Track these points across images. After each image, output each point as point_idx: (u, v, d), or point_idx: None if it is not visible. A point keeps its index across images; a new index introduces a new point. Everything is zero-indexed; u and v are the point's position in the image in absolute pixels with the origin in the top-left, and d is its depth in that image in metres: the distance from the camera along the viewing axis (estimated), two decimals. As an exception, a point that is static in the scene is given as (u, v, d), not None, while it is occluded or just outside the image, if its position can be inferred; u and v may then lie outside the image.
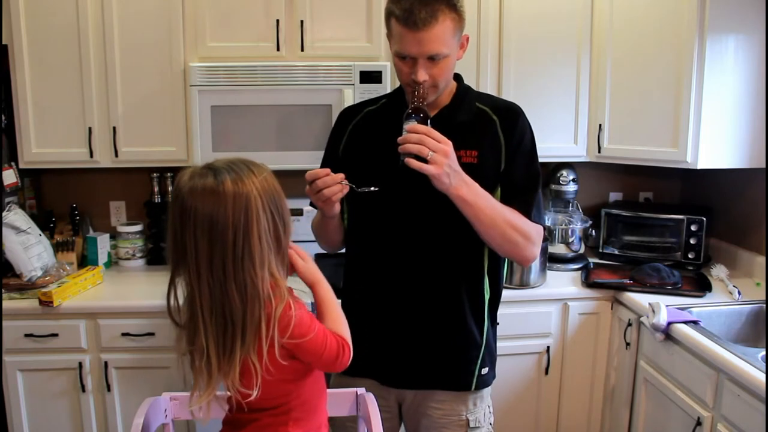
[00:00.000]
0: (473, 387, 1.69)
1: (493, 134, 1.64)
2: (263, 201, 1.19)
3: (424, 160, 1.44)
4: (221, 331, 1.19)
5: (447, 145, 1.46)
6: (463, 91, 1.68)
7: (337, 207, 1.58)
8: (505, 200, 1.62)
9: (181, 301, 1.26)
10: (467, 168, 1.58)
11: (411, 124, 1.47)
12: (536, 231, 1.65)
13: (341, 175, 1.51)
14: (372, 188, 1.55)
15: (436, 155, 1.44)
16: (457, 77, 1.71)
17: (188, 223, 1.17)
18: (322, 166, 1.74)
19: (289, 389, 1.30)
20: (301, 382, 1.31)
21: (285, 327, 1.20)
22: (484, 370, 1.71)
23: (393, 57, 1.57)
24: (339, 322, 1.34)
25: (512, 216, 1.59)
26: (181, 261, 1.20)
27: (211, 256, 1.17)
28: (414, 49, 1.49)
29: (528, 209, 1.63)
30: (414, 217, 1.59)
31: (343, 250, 1.80)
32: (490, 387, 1.76)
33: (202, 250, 1.17)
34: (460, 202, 1.52)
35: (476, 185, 1.54)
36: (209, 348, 1.20)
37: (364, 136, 1.70)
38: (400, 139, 1.46)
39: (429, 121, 1.50)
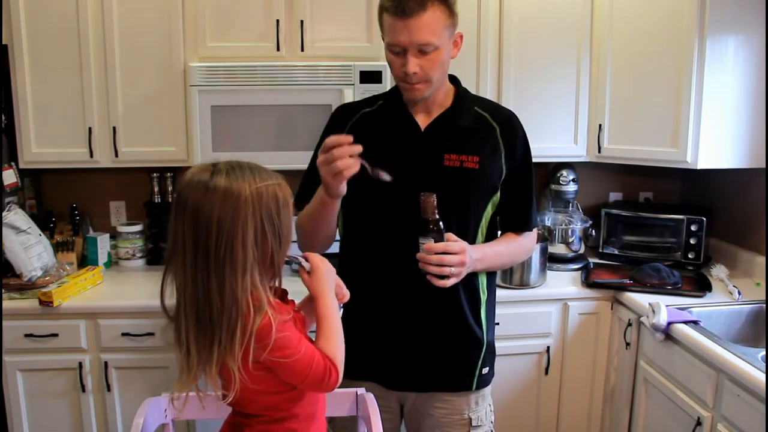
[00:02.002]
0: (474, 387, 1.71)
1: (494, 141, 1.66)
2: (255, 208, 1.18)
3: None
4: (201, 327, 1.19)
5: (463, 254, 1.53)
6: (461, 94, 1.69)
7: (344, 187, 1.49)
8: (504, 209, 1.71)
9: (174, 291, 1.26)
10: (469, 173, 1.61)
11: (427, 243, 1.51)
12: (532, 239, 1.80)
13: (359, 148, 1.45)
14: (386, 176, 1.50)
15: (455, 269, 1.52)
16: (455, 80, 1.71)
17: (180, 213, 1.18)
18: (314, 166, 1.73)
19: (274, 401, 1.28)
20: (288, 396, 1.28)
21: (264, 344, 1.18)
22: (485, 370, 1.73)
23: (386, 53, 1.58)
24: (332, 342, 1.28)
25: (514, 247, 1.73)
26: (172, 252, 1.21)
27: (195, 250, 1.17)
28: (403, 37, 1.50)
29: (528, 221, 1.74)
30: (411, 220, 1.59)
31: (334, 251, 1.79)
32: (490, 386, 1.77)
33: (188, 243, 1.17)
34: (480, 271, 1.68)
35: (484, 252, 1.63)
36: (189, 341, 1.20)
37: (362, 140, 1.67)
38: (419, 256, 1.52)
39: (443, 233, 1.51)
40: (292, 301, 1.36)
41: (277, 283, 1.30)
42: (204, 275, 1.17)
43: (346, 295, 1.41)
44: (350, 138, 1.44)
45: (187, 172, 1.23)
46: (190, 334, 1.20)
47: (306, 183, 1.72)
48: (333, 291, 1.34)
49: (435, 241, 1.50)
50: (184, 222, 1.17)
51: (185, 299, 1.20)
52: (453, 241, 1.53)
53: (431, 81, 1.57)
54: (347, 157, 1.43)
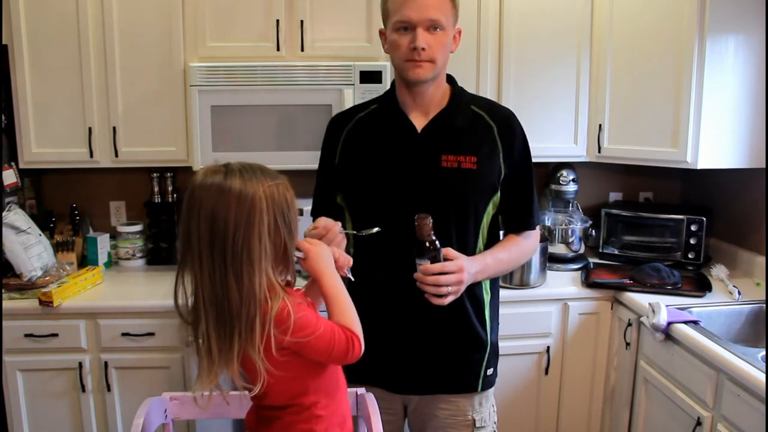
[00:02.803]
0: (479, 388, 1.70)
1: (492, 140, 1.65)
2: (269, 206, 1.23)
3: None
4: (221, 321, 1.23)
5: (460, 272, 1.53)
6: (458, 94, 1.69)
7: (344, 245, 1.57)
8: (505, 208, 1.70)
9: (187, 292, 1.30)
10: (467, 174, 1.60)
11: (424, 264, 1.51)
12: (535, 239, 1.79)
13: (338, 225, 1.51)
14: (374, 230, 1.56)
15: (452, 288, 1.52)
16: (451, 79, 1.71)
17: (194, 215, 1.22)
18: (320, 177, 1.77)
19: (300, 389, 1.31)
20: (313, 380, 1.32)
21: (285, 328, 1.22)
22: (489, 371, 1.73)
23: (391, 35, 1.57)
24: (347, 314, 1.32)
25: (517, 251, 1.72)
26: (187, 252, 1.25)
27: (212, 249, 1.21)
28: (414, 13, 1.51)
29: (530, 219, 1.73)
30: (410, 222, 1.58)
31: None
32: (494, 386, 1.77)
33: (204, 243, 1.21)
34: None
35: (485, 263, 1.63)
36: (210, 335, 1.23)
37: (359, 144, 1.69)
38: (416, 276, 1.52)
39: (440, 252, 1.52)
40: (299, 289, 1.39)
41: (289, 277, 1.33)
42: (222, 272, 1.21)
43: (349, 260, 1.44)
44: (327, 226, 1.49)
45: (197, 173, 1.26)
46: (210, 330, 1.23)
47: (317, 200, 1.77)
48: (332, 268, 1.37)
49: (431, 262, 1.51)
50: (200, 223, 1.21)
51: (203, 297, 1.23)
52: (450, 260, 1.53)
53: (436, 63, 1.57)
54: (334, 239, 1.48)
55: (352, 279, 1.51)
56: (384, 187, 1.63)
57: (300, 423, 1.33)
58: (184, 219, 1.24)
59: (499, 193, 1.67)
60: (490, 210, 1.68)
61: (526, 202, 1.71)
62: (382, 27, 1.64)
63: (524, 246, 1.74)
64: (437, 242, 1.51)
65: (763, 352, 1.88)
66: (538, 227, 1.79)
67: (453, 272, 1.52)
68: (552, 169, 2.90)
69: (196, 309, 1.25)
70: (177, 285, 1.28)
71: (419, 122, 1.64)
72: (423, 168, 1.61)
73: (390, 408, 1.71)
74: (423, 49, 1.53)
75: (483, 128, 1.66)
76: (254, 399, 1.37)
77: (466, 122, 1.65)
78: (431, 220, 1.49)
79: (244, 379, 1.27)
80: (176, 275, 1.28)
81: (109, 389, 2.39)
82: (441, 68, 1.61)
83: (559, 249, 2.78)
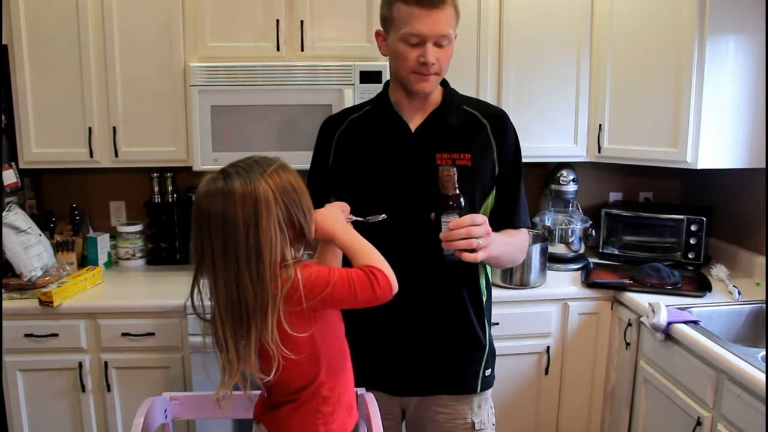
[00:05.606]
0: (478, 389, 1.70)
1: (485, 139, 1.66)
2: (275, 194, 1.25)
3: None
4: (237, 322, 1.26)
5: (485, 223, 1.47)
6: (450, 94, 1.69)
7: None
8: (498, 206, 1.69)
9: (203, 298, 1.34)
10: (462, 170, 1.59)
11: (453, 220, 1.44)
12: (528, 238, 1.79)
13: (347, 208, 1.50)
14: (380, 216, 1.53)
15: (483, 241, 1.45)
16: (443, 80, 1.71)
17: (204, 222, 1.25)
18: (313, 179, 1.74)
19: (316, 368, 1.34)
20: (325, 358, 1.34)
21: (298, 298, 1.24)
22: (488, 371, 1.72)
23: (396, 45, 1.55)
24: (368, 256, 1.32)
25: (516, 240, 1.69)
26: (202, 262, 1.28)
27: (225, 251, 1.24)
28: (426, 28, 1.50)
29: (520, 216, 1.72)
30: (414, 223, 1.58)
31: None
32: (491, 388, 1.77)
33: (218, 247, 1.24)
34: (491, 260, 1.62)
35: (498, 236, 1.56)
36: (227, 340, 1.27)
37: (353, 145, 1.69)
38: (443, 235, 1.44)
39: (463, 204, 1.45)
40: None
41: (310, 250, 1.36)
42: (236, 271, 1.24)
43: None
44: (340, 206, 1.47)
45: (199, 186, 1.29)
46: (227, 332, 1.27)
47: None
48: (343, 223, 1.39)
49: (459, 216, 1.45)
50: (211, 231, 1.24)
51: (219, 303, 1.26)
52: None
53: (441, 74, 1.59)
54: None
55: (381, 217, 1.50)
56: (379, 186, 1.63)
57: (308, 404, 1.36)
58: (195, 232, 1.27)
59: (493, 191, 1.67)
60: (484, 209, 1.68)
61: (515, 200, 1.70)
62: (380, 29, 1.63)
63: (519, 239, 1.71)
64: (462, 196, 1.45)
65: (763, 352, 1.88)
66: (527, 229, 1.76)
67: (481, 223, 1.46)
68: (552, 169, 2.90)
69: (214, 315, 1.29)
70: (192, 292, 1.32)
71: (413, 122, 1.65)
72: (418, 166, 1.61)
73: (389, 413, 1.70)
74: (433, 63, 1.53)
75: (476, 126, 1.66)
76: (267, 388, 1.40)
77: (460, 121, 1.65)
78: (455, 171, 1.45)
79: (260, 371, 1.31)
80: (192, 284, 1.32)
81: (109, 389, 2.39)
82: (442, 77, 1.62)
83: (559, 249, 2.78)
